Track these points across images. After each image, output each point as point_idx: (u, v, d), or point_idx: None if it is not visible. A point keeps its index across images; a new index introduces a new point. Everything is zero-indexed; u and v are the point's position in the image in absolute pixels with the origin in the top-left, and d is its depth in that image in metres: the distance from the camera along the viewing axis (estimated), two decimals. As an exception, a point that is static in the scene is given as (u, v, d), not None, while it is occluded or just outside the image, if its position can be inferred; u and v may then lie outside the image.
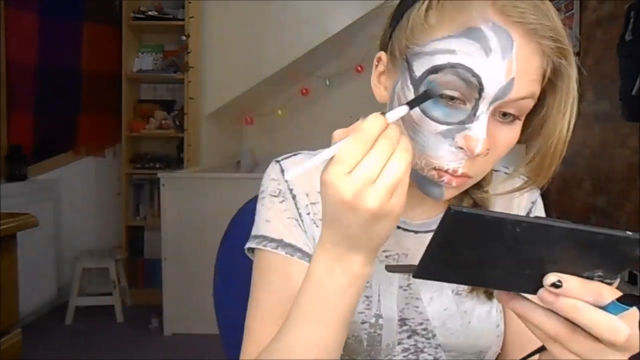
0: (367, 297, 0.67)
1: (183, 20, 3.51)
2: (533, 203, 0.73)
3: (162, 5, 3.59)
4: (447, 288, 0.68)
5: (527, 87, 0.53)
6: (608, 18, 3.75)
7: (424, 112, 0.54)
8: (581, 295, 0.40)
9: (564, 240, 0.39)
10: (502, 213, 0.39)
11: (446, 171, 0.55)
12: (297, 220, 0.69)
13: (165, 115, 3.66)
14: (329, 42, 3.85)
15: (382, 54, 0.62)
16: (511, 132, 0.56)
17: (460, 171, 0.55)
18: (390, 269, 0.51)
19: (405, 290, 0.68)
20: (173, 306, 2.94)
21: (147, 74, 3.62)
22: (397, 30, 0.58)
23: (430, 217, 0.69)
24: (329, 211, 0.49)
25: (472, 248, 0.40)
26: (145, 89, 3.81)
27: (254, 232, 0.70)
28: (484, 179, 0.64)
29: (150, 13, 3.53)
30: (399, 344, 0.67)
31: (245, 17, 3.77)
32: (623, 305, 0.40)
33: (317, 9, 3.78)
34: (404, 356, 0.67)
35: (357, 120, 0.47)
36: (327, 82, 4.60)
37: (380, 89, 0.63)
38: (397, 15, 0.59)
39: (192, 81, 3.56)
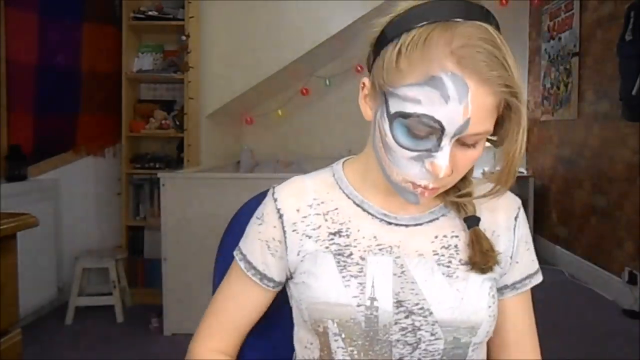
0: (360, 284, 0.73)
1: (183, 20, 3.51)
2: (519, 208, 0.82)
3: (162, 5, 3.59)
4: (438, 271, 0.75)
5: (481, 124, 0.64)
6: (608, 18, 3.75)
7: (398, 143, 0.66)
8: None
9: None
10: None
11: (419, 185, 0.68)
12: (267, 242, 0.79)
13: (165, 115, 3.66)
14: (329, 42, 3.85)
15: (366, 80, 0.73)
16: (473, 153, 0.68)
17: (430, 186, 0.68)
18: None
19: (399, 277, 0.74)
20: (173, 306, 2.94)
21: (147, 74, 3.62)
22: (375, 65, 0.69)
23: (418, 212, 0.78)
24: None
25: None
26: (145, 89, 3.81)
27: (240, 242, 0.84)
28: (461, 182, 0.74)
29: (150, 13, 3.53)
30: (396, 323, 0.73)
31: (245, 17, 3.77)
32: None
33: (317, 9, 3.78)
34: (402, 334, 0.72)
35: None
36: (327, 82, 4.60)
37: (366, 108, 0.74)
38: (377, 49, 0.69)
39: (192, 81, 3.56)
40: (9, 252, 1.22)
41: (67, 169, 3.47)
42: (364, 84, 0.74)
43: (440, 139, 0.64)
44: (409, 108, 0.64)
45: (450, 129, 0.63)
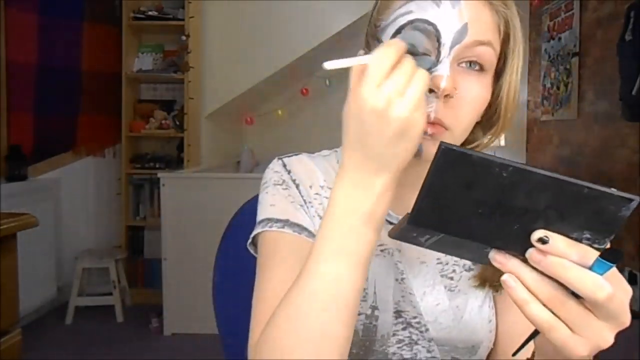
0: (363, 288, 0.67)
1: (183, 20, 3.51)
2: None
3: (162, 5, 3.59)
4: (440, 284, 0.70)
5: (482, 32, 0.59)
6: (608, 18, 3.75)
7: None
8: (567, 254, 0.41)
9: (548, 189, 0.39)
10: (490, 155, 0.40)
11: None
12: (302, 205, 0.70)
13: (165, 115, 3.66)
14: (329, 42, 3.85)
15: (361, 52, 0.68)
16: (480, 82, 0.61)
17: (432, 116, 0.58)
18: (391, 233, 0.50)
19: (400, 283, 0.70)
20: (173, 306, 2.94)
21: (147, 74, 3.62)
22: (369, 26, 0.66)
23: None
24: (355, 128, 0.50)
25: (461, 192, 0.41)
26: (145, 89, 3.81)
27: (258, 218, 0.71)
28: None
29: (150, 13, 3.53)
30: (394, 335, 0.68)
31: (245, 17, 3.77)
32: (607, 264, 0.40)
33: (317, 9, 3.78)
34: (399, 347, 0.69)
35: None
36: (327, 82, 4.60)
37: None
38: (369, 18, 0.67)
39: (192, 81, 3.56)
40: (9, 252, 1.22)
41: (67, 169, 3.47)
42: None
43: (438, 53, 0.58)
44: (401, 22, 0.59)
45: (446, 34, 0.57)
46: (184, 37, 3.50)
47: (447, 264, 0.71)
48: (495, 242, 0.43)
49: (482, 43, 0.59)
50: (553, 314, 0.42)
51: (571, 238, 0.41)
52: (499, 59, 0.63)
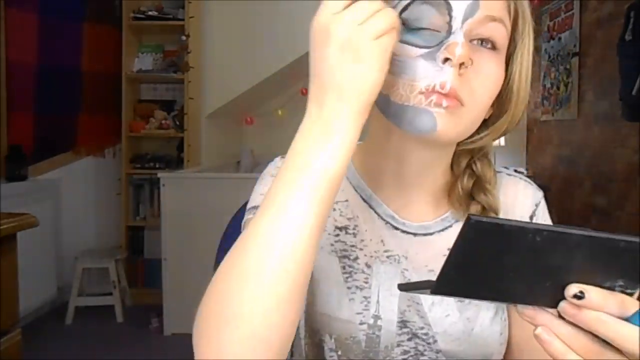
0: (365, 297, 0.65)
1: (183, 20, 3.51)
2: (537, 205, 0.71)
3: (162, 5, 3.59)
4: None
5: (494, 8, 0.56)
6: (608, 18, 3.75)
7: (403, 41, 0.55)
8: (604, 307, 0.39)
9: (583, 248, 0.38)
10: (522, 222, 0.38)
11: (433, 89, 0.54)
12: None
13: (165, 115, 3.66)
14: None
15: None
16: (494, 60, 0.58)
17: (448, 85, 0.54)
18: (402, 287, 0.46)
19: (406, 293, 0.66)
20: (173, 306, 2.94)
21: (147, 74, 3.62)
22: None
23: (428, 219, 0.68)
24: (311, 55, 0.49)
25: (491, 260, 0.39)
26: (145, 89, 3.81)
27: (247, 207, 0.69)
28: (487, 180, 0.65)
29: (150, 13, 3.53)
30: (399, 345, 0.65)
31: (245, 18, 3.77)
32: None
33: (318, 9, 3.77)
34: (403, 358, 0.65)
35: None
36: (327, 82, 4.59)
37: None
38: None
39: (192, 81, 3.56)
40: (9, 252, 1.22)
41: (67, 169, 3.47)
42: None
43: (450, 27, 0.54)
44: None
45: (458, 7, 0.54)
46: (184, 37, 3.50)
47: None
48: (524, 299, 0.42)
49: (494, 19, 0.56)
50: None
51: (604, 287, 0.40)
52: (509, 43, 0.61)
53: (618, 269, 0.39)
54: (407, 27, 0.55)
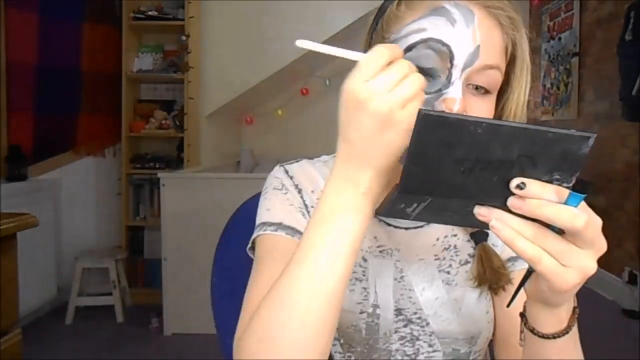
0: (364, 288, 0.71)
1: (183, 20, 3.51)
2: None
3: (162, 5, 3.59)
4: (438, 279, 0.72)
5: (493, 56, 0.60)
6: (608, 18, 3.75)
7: None
8: (543, 195, 0.44)
9: (519, 140, 0.43)
10: (464, 114, 0.43)
11: None
12: (301, 208, 0.72)
13: (165, 115, 3.66)
14: (329, 42, 3.84)
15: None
16: (485, 104, 0.63)
17: None
18: (378, 210, 0.52)
19: (399, 282, 0.72)
20: (173, 306, 2.94)
21: (147, 74, 3.62)
22: (375, 33, 0.67)
23: None
24: (341, 119, 0.52)
25: (443, 153, 0.44)
26: (145, 89, 3.81)
27: (256, 223, 0.73)
28: None
29: (150, 13, 3.53)
30: (396, 332, 0.71)
31: (245, 17, 3.77)
32: (579, 196, 0.45)
33: (317, 9, 3.78)
34: (401, 344, 0.71)
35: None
36: (327, 82, 4.60)
37: None
38: (373, 24, 0.67)
39: (192, 81, 3.56)
40: (9, 252, 1.22)
41: (67, 169, 3.47)
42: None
43: (450, 75, 0.59)
44: (414, 39, 0.60)
45: (460, 56, 0.59)
46: (184, 37, 3.50)
47: (444, 259, 0.74)
48: (477, 196, 0.47)
49: (491, 67, 0.60)
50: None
51: (543, 181, 0.45)
52: (504, 79, 0.64)
53: (552, 163, 0.44)
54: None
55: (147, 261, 3.58)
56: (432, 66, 0.59)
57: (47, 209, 3.18)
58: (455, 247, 0.75)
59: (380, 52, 0.50)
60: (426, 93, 0.58)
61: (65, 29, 3.36)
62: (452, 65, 0.59)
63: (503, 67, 0.63)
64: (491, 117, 0.64)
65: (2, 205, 2.53)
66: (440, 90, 0.59)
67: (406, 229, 0.74)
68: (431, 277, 0.72)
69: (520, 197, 0.45)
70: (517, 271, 0.73)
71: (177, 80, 3.59)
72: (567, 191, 0.45)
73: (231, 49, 3.78)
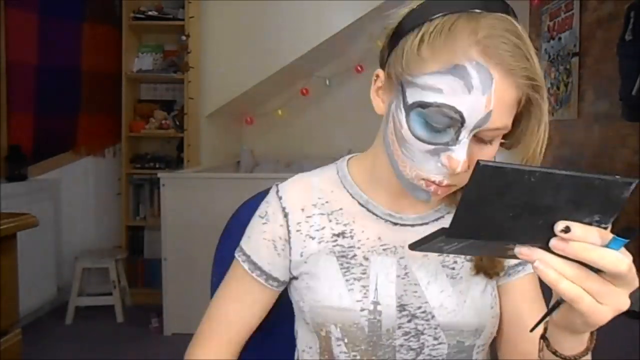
0: (363, 286, 0.72)
1: (183, 20, 3.51)
2: None
3: (162, 5, 3.59)
4: (442, 273, 0.74)
5: (502, 119, 0.61)
6: (608, 18, 3.75)
7: (414, 135, 0.63)
8: (587, 238, 0.46)
9: (567, 186, 0.44)
10: (520, 164, 0.45)
11: (433, 182, 0.64)
12: (274, 242, 0.77)
13: (165, 115, 3.66)
14: (329, 42, 3.85)
15: (380, 72, 0.70)
16: (489, 150, 0.65)
17: (445, 182, 0.64)
18: (413, 245, 0.53)
19: (402, 278, 0.73)
20: (173, 306, 2.94)
21: (147, 74, 3.62)
22: (394, 55, 0.66)
23: (422, 212, 0.77)
24: None
25: (495, 200, 0.45)
26: (145, 89, 3.81)
27: (239, 246, 0.81)
28: None
29: (150, 13, 3.53)
30: (399, 328, 0.72)
31: (246, 17, 3.77)
32: (622, 239, 0.46)
33: (317, 9, 3.78)
34: (405, 339, 0.72)
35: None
36: (327, 82, 4.60)
37: (378, 102, 0.72)
38: (394, 40, 0.66)
39: (192, 81, 3.56)
40: (9, 252, 1.22)
41: (67, 169, 3.47)
42: (377, 75, 0.71)
43: (458, 132, 0.61)
44: (429, 97, 0.61)
45: (470, 121, 0.60)
46: (184, 37, 3.50)
47: (448, 255, 0.74)
48: (520, 238, 0.48)
49: (498, 129, 0.62)
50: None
51: (585, 223, 0.46)
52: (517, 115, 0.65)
53: (595, 206, 0.46)
54: (424, 120, 0.62)
55: (147, 261, 3.58)
56: (442, 126, 0.62)
57: (47, 209, 3.18)
58: None
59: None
60: (435, 144, 0.62)
61: (65, 29, 3.36)
62: (462, 126, 0.61)
63: (511, 120, 0.63)
64: (492, 156, 0.66)
65: (2, 205, 2.53)
66: (447, 143, 0.62)
67: (411, 225, 0.76)
68: (435, 271, 0.74)
69: (564, 239, 0.46)
70: (524, 275, 0.76)
71: (177, 80, 3.59)
72: (610, 235, 0.46)
73: (231, 49, 3.77)
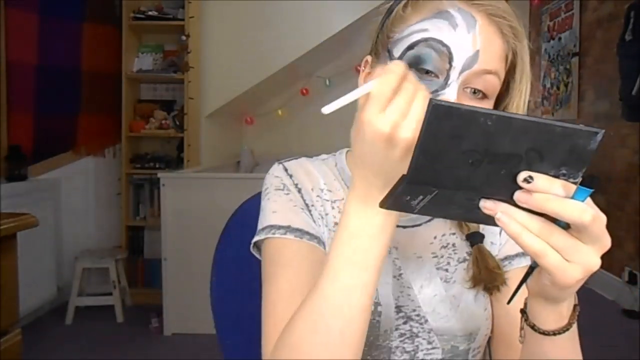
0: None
1: (183, 20, 3.51)
2: None
3: (162, 5, 3.59)
4: (436, 276, 0.73)
5: (492, 61, 0.62)
6: (608, 18, 3.75)
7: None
8: (550, 189, 0.44)
9: (528, 133, 0.43)
10: (476, 106, 0.43)
11: None
12: (303, 209, 0.73)
13: (165, 115, 3.66)
14: (329, 42, 3.85)
15: (368, 57, 0.71)
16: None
17: None
18: (382, 203, 0.52)
19: (398, 279, 0.73)
20: (173, 306, 2.94)
21: (147, 74, 3.62)
22: (380, 34, 0.68)
23: (414, 215, 0.74)
24: (365, 150, 0.53)
25: (452, 144, 0.44)
26: (145, 89, 3.81)
27: (260, 225, 0.73)
28: None
29: (150, 13, 3.53)
30: (396, 329, 0.71)
31: (245, 17, 3.77)
32: (587, 190, 0.45)
33: (317, 9, 3.78)
34: (401, 341, 0.71)
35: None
36: (327, 82, 4.60)
37: None
38: (380, 25, 0.68)
39: (192, 81, 3.56)
40: (9, 252, 1.22)
41: (67, 169, 3.47)
42: (366, 61, 0.72)
43: (448, 76, 0.61)
44: (416, 38, 0.62)
45: (458, 58, 0.60)
46: (184, 37, 3.50)
47: (442, 257, 0.74)
48: (484, 189, 0.47)
49: (489, 72, 0.62)
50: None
51: (550, 176, 0.45)
52: (501, 86, 0.65)
53: (559, 158, 0.44)
54: (410, 65, 0.60)
55: (147, 261, 3.58)
56: (432, 66, 0.61)
57: (47, 209, 3.18)
58: (453, 245, 0.75)
59: (387, 79, 0.51)
60: None
61: (65, 29, 3.36)
62: (450, 66, 0.60)
63: (502, 73, 0.64)
64: None
65: (2, 205, 2.53)
66: (437, 91, 0.61)
67: (403, 227, 0.75)
68: (429, 274, 0.73)
69: (527, 191, 0.45)
70: (513, 269, 0.74)
71: (177, 80, 3.60)
72: (574, 186, 0.45)
73: (231, 49, 3.77)
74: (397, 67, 0.51)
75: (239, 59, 3.78)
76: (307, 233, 0.70)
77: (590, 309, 3.56)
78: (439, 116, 0.43)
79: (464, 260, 0.74)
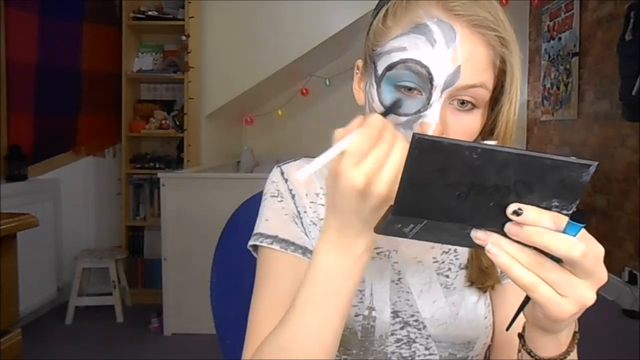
0: (360, 290, 0.70)
1: (183, 20, 3.51)
2: None
3: (162, 5, 3.59)
4: (436, 282, 0.72)
5: (475, 75, 0.58)
6: (608, 18, 3.75)
7: (384, 106, 0.61)
8: (540, 222, 0.43)
9: (514, 166, 0.42)
10: (459, 140, 0.43)
11: None
12: (294, 217, 0.73)
13: (165, 115, 3.66)
14: (329, 42, 3.85)
15: (359, 62, 0.70)
16: (470, 120, 0.61)
17: None
18: (376, 228, 0.52)
19: (396, 284, 0.72)
20: (173, 306, 2.94)
21: (147, 74, 3.62)
22: (367, 39, 0.67)
23: None
24: (338, 200, 0.52)
25: (438, 177, 0.43)
26: (145, 89, 3.81)
27: (254, 230, 0.74)
28: None
29: (150, 13, 3.53)
30: (392, 334, 0.70)
31: (245, 17, 3.77)
32: (578, 225, 0.44)
33: (317, 9, 3.78)
34: (397, 346, 0.70)
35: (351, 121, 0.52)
36: (327, 82, 4.60)
37: (359, 93, 0.71)
38: (367, 32, 0.67)
39: (192, 81, 3.56)
40: (9, 252, 1.22)
41: (67, 169, 3.47)
42: (357, 66, 0.71)
43: (430, 95, 0.59)
44: (395, 57, 0.60)
45: (439, 77, 0.58)
46: (184, 37, 3.50)
47: (442, 262, 0.73)
48: (473, 220, 0.46)
49: (474, 86, 0.59)
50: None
51: (541, 207, 0.44)
52: (494, 88, 0.62)
53: (550, 189, 0.43)
54: (393, 87, 0.60)
55: (147, 261, 3.58)
56: (413, 85, 0.60)
57: (47, 209, 3.18)
58: (455, 250, 0.74)
59: (364, 134, 0.49)
60: (406, 115, 0.59)
61: (65, 29, 3.36)
62: (432, 85, 0.58)
63: (489, 83, 0.61)
64: (477, 132, 0.63)
65: (2, 205, 2.53)
66: (419, 111, 0.59)
67: None
68: (429, 280, 0.72)
69: (518, 223, 0.44)
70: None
71: (177, 80, 3.60)
72: (565, 219, 0.43)
73: (231, 49, 3.77)
74: (376, 124, 0.50)
75: (239, 59, 3.78)
76: (293, 244, 0.71)
77: (590, 309, 3.55)
78: (423, 150, 0.42)
79: (465, 267, 0.73)
